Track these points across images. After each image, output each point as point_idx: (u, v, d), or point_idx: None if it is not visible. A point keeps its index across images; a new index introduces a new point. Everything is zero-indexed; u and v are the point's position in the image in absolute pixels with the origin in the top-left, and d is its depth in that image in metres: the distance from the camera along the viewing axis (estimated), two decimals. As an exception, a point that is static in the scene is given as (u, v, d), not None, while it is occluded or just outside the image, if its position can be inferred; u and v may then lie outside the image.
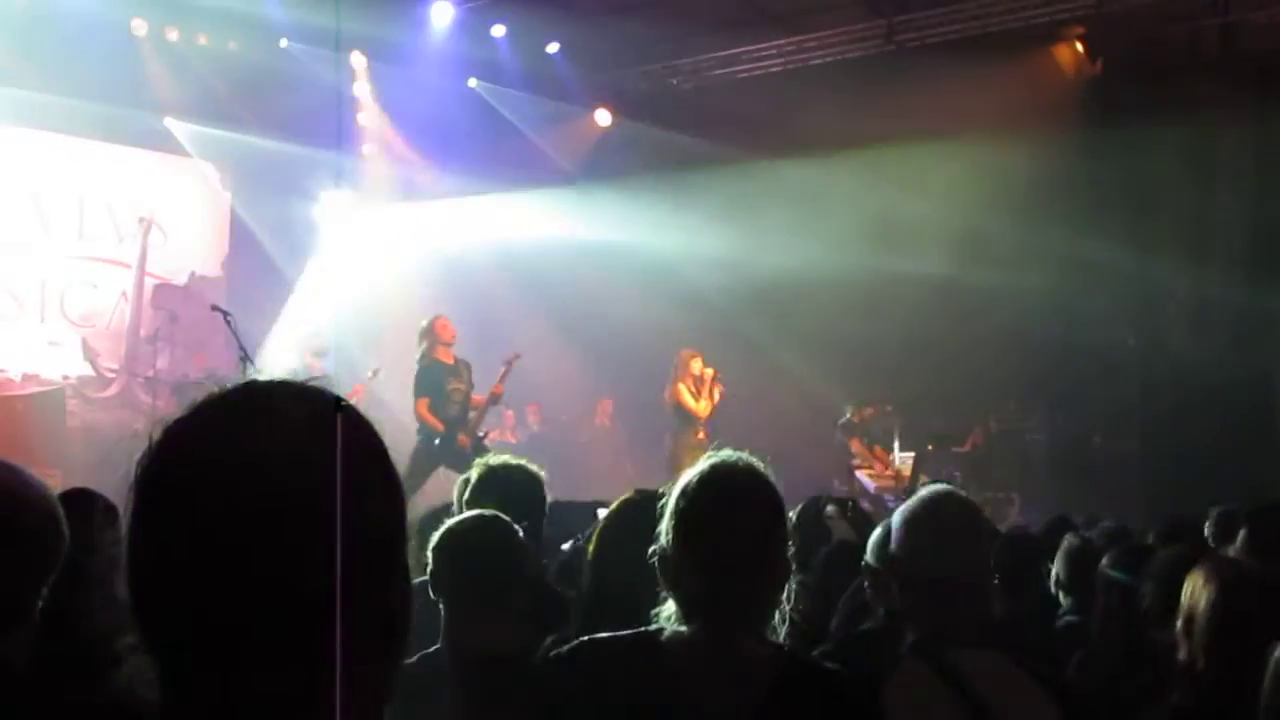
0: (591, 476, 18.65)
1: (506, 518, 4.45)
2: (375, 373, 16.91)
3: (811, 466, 18.32)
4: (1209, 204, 18.13)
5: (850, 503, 6.12)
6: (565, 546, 6.47)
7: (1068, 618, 6.75)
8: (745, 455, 3.24)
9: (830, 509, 6.04)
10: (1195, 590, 4.08)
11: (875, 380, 19.20)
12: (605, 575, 4.03)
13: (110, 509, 4.47)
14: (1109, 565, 5.62)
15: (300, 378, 1.71)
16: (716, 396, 16.33)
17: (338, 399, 1.64)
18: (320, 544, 1.49)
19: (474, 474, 5.80)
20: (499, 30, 19.71)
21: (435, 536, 4.33)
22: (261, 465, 1.51)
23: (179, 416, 1.62)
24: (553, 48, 20.16)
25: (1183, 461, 17.21)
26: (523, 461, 5.93)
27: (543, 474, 5.83)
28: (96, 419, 18.31)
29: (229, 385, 1.65)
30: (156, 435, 1.61)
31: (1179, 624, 4.10)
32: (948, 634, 3.55)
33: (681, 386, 16.20)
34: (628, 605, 3.35)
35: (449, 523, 4.43)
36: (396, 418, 14.06)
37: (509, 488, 5.59)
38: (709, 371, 16.39)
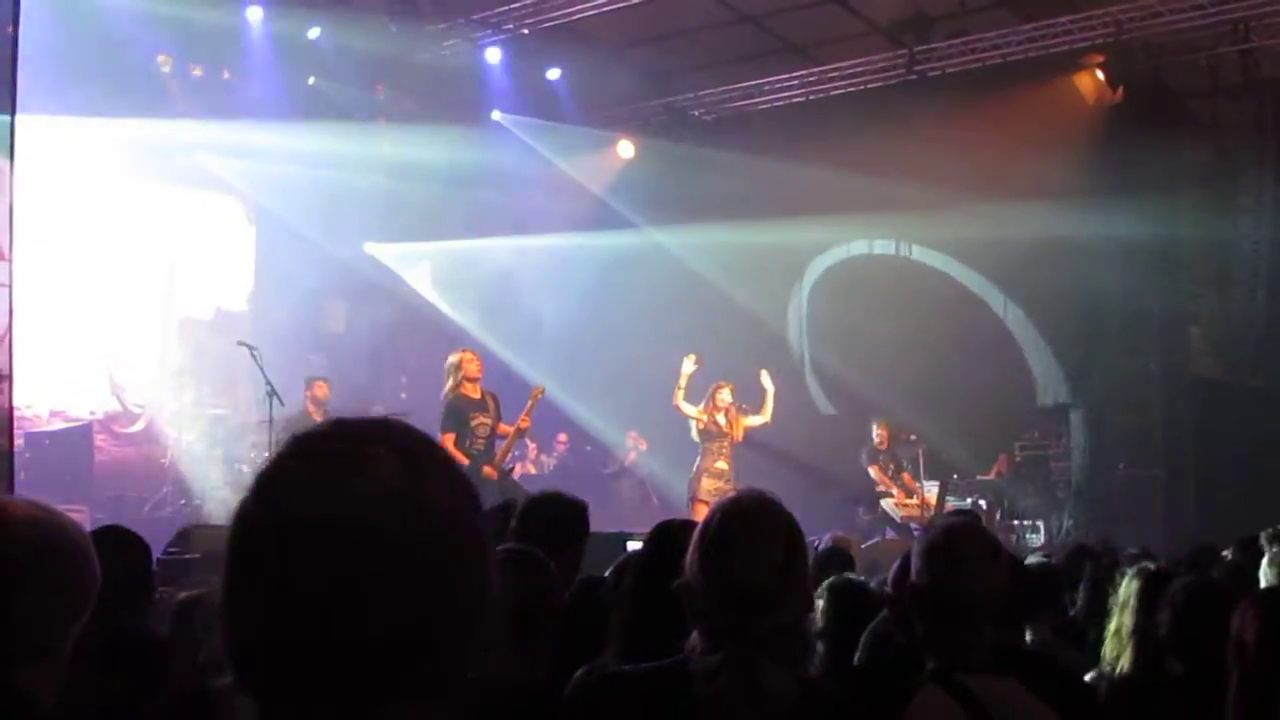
0: (617, 509, 18.73)
1: (537, 551, 4.49)
2: (373, 410, 16.99)
3: (840, 492, 18.42)
4: (1230, 229, 18.12)
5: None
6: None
7: (1090, 645, 6.76)
8: (766, 490, 3.32)
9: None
10: (1245, 619, 4.16)
11: (904, 407, 19.21)
12: (643, 604, 4.06)
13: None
14: (1125, 590, 5.64)
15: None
16: (740, 429, 16.22)
17: (432, 445, 1.67)
18: (413, 599, 1.54)
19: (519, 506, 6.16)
20: (521, 64, 19.85)
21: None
22: (356, 520, 1.53)
23: (273, 462, 1.62)
24: (575, 81, 20.28)
25: (1207, 487, 17.19)
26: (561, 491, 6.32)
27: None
28: (123, 454, 18.38)
29: (318, 426, 1.64)
30: (251, 483, 1.61)
31: (1230, 652, 4.17)
32: (966, 662, 3.59)
33: (685, 404, 16.14)
34: (667, 635, 3.40)
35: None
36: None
37: (554, 516, 5.98)
38: (732, 402, 16.31)
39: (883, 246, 22.10)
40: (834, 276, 22.38)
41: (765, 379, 16.29)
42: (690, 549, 3.24)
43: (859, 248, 22.33)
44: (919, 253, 21.53)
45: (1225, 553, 8.64)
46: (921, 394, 19.12)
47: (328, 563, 1.51)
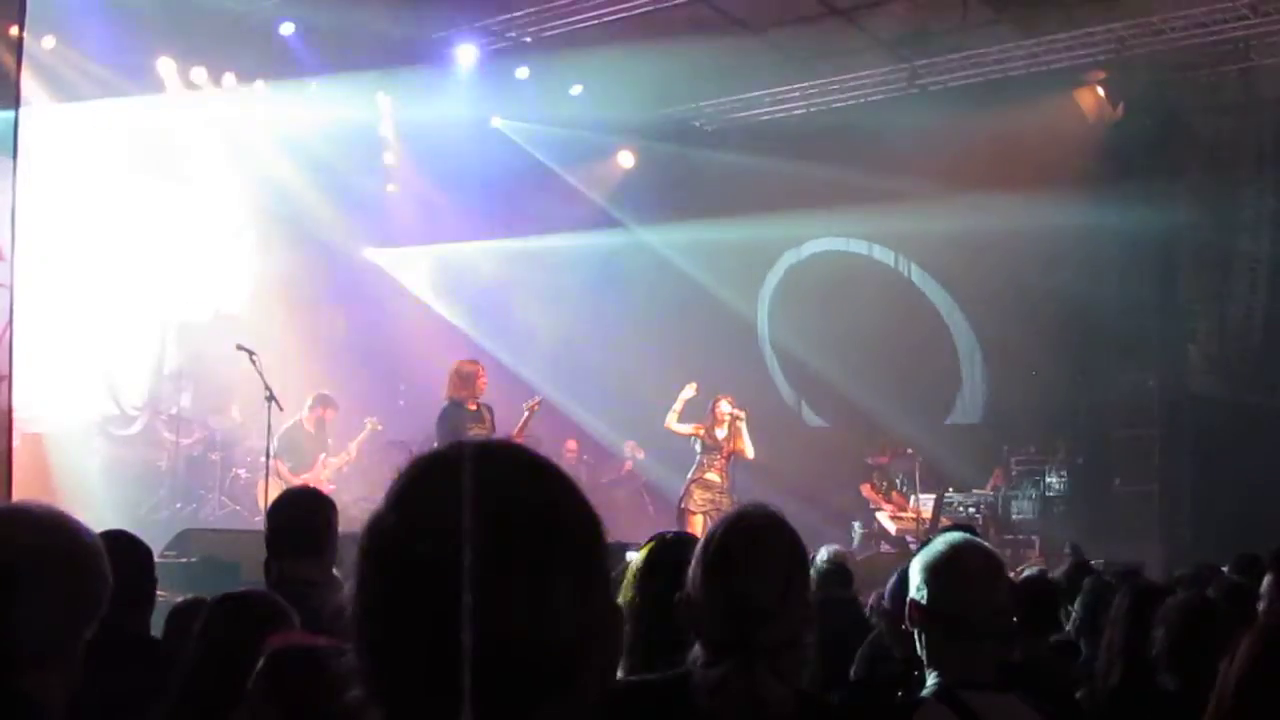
0: (614, 517, 18.69)
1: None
2: (373, 424, 17.03)
3: (836, 505, 18.41)
4: (1229, 246, 18.16)
5: None
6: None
7: (1087, 661, 6.76)
8: (768, 504, 3.33)
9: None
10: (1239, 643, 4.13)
11: (898, 422, 19.23)
12: (641, 617, 4.05)
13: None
14: (1116, 606, 5.65)
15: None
16: (739, 443, 16.00)
17: (551, 462, 1.72)
18: (537, 606, 1.58)
19: None
20: (523, 72, 19.83)
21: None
22: (484, 533, 1.57)
23: (405, 479, 1.68)
24: (576, 89, 20.26)
25: (1203, 503, 17.21)
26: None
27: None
28: (120, 456, 18.29)
29: (445, 446, 1.70)
30: (383, 500, 1.66)
31: (1221, 672, 4.15)
32: (966, 678, 3.59)
33: (678, 425, 16.03)
34: (666, 647, 3.40)
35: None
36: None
37: None
38: (733, 412, 16.14)
39: (882, 254, 22.14)
40: (805, 277, 22.44)
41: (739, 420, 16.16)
42: (693, 563, 3.25)
43: (858, 247, 22.38)
44: (917, 273, 21.59)
45: (1223, 569, 8.65)
46: (911, 402, 19.19)
47: (460, 573, 1.54)
